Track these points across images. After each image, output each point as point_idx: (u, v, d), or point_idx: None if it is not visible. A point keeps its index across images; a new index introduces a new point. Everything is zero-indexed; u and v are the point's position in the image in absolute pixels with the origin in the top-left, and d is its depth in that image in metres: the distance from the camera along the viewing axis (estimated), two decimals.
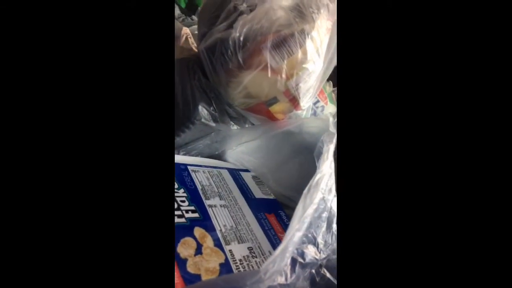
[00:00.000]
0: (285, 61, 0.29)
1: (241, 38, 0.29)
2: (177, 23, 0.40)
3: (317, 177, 0.23)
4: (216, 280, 0.21)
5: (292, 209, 0.38)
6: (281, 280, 0.21)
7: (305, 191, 0.23)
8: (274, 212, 0.35)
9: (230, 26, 0.30)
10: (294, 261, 0.22)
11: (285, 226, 0.34)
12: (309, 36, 0.28)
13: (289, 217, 0.36)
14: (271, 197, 0.38)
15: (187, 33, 0.38)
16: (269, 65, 0.29)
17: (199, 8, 0.62)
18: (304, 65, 0.29)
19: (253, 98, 0.32)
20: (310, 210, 0.22)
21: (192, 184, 0.32)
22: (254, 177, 0.40)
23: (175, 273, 0.22)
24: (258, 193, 0.37)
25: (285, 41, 0.28)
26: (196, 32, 0.42)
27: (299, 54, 0.29)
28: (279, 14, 0.29)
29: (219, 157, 0.40)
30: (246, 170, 0.40)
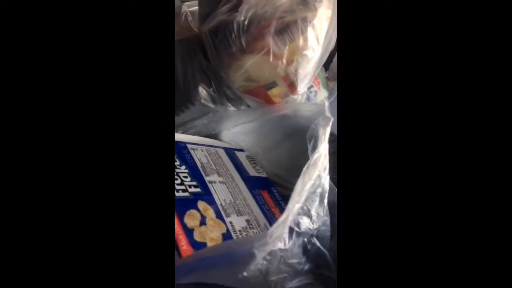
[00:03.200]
0: (287, 47, 0.30)
1: (246, 22, 0.30)
2: (175, 1, 0.40)
3: (315, 156, 0.26)
4: (228, 243, 0.24)
5: (283, 186, 0.41)
6: (280, 245, 0.23)
7: (304, 169, 0.25)
8: (267, 189, 0.38)
9: (234, 9, 0.31)
10: (291, 230, 0.25)
11: (277, 202, 0.37)
12: (311, 24, 0.30)
13: (281, 194, 0.39)
14: (264, 175, 0.40)
15: (186, 12, 0.39)
16: (271, 50, 0.30)
17: None
18: (304, 52, 0.31)
19: (253, 81, 0.34)
20: (308, 185, 0.25)
21: (192, 161, 0.34)
22: (248, 156, 0.42)
23: (184, 241, 0.24)
24: (252, 171, 0.39)
25: (288, 28, 0.30)
26: (192, 9, 0.42)
27: (300, 41, 0.30)
28: (282, 0, 0.30)
29: (215, 136, 0.42)
30: (241, 150, 0.42)
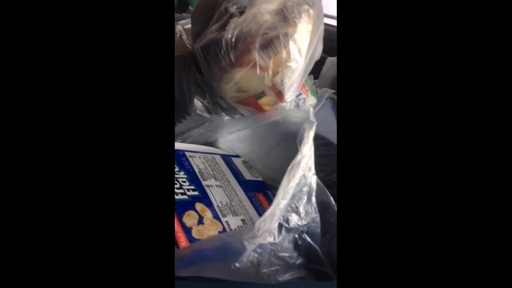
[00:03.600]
0: (272, 60, 0.33)
1: (233, 39, 0.33)
2: None
3: (298, 157, 0.28)
4: (219, 236, 0.26)
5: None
6: (270, 239, 0.26)
7: (288, 168, 0.28)
8: (262, 192, 0.40)
9: (222, 27, 0.34)
10: (280, 226, 0.27)
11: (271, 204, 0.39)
12: (292, 38, 0.33)
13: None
14: (259, 179, 0.43)
15: (180, 31, 0.42)
16: (257, 64, 0.33)
17: (190, 7, 0.65)
18: (288, 64, 0.34)
19: (243, 92, 0.37)
20: (293, 184, 0.27)
21: (190, 168, 0.37)
22: (244, 162, 0.44)
23: (183, 238, 0.27)
24: (247, 175, 0.42)
25: (271, 43, 0.33)
26: (186, 27, 0.45)
27: (284, 54, 0.33)
28: (265, 17, 0.33)
29: (212, 144, 0.44)
30: (237, 156, 0.45)
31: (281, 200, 0.25)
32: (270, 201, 0.40)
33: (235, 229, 0.31)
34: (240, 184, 0.39)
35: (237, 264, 0.23)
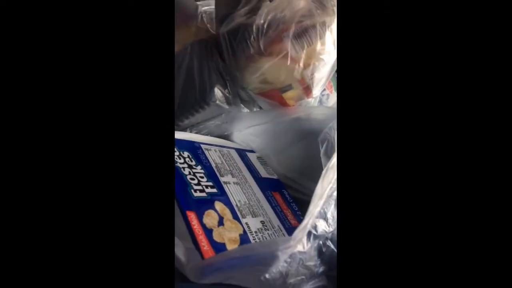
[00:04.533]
0: (304, 51, 0.31)
1: (265, 26, 0.30)
2: (191, 1, 0.40)
3: (333, 160, 0.26)
4: (252, 245, 0.24)
5: (294, 189, 0.41)
6: (300, 248, 0.24)
7: (323, 172, 0.26)
8: (279, 191, 0.38)
9: (252, 12, 0.31)
10: (309, 233, 0.25)
11: (288, 204, 0.37)
12: (329, 28, 0.30)
13: (292, 197, 0.39)
14: (275, 177, 0.41)
15: (202, 13, 0.39)
16: (289, 54, 0.30)
17: None
18: (321, 56, 0.31)
19: (268, 84, 0.34)
20: (327, 189, 0.25)
21: (207, 162, 0.34)
22: (259, 158, 0.42)
23: (205, 241, 0.24)
24: (263, 173, 0.40)
25: (306, 32, 0.30)
26: (206, 9, 0.42)
27: (318, 45, 0.31)
28: (301, 4, 0.30)
29: (227, 137, 0.42)
30: (251, 151, 0.43)
31: (316, 207, 0.23)
32: (286, 201, 0.37)
33: (255, 231, 0.29)
34: (257, 182, 0.37)
35: (267, 275, 0.21)
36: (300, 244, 0.24)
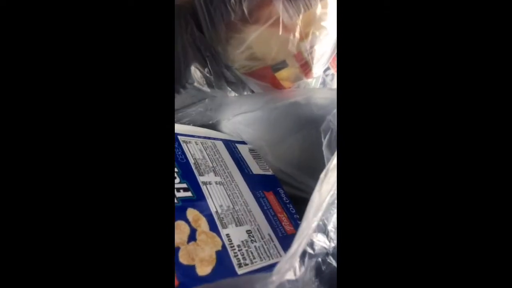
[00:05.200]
0: (300, 16, 0.24)
1: None
2: None
3: (334, 161, 0.20)
4: (226, 283, 0.18)
5: (291, 185, 0.35)
6: (290, 275, 0.18)
7: (321, 175, 0.19)
8: (273, 190, 0.32)
9: None
10: (303, 254, 0.20)
11: (284, 205, 0.31)
12: None
13: (288, 195, 0.33)
14: (270, 173, 0.35)
15: None
16: (281, 20, 0.24)
17: None
18: (322, 23, 0.24)
19: (257, 60, 0.28)
20: (327, 197, 0.19)
21: (184, 158, 0.28)
22: (251, 150, 0.36)
23: None
24: (255, 169, 0.34)
25: None
26: None
27: (318, 8, 0.24)
28: None
29: (213, 127, 0.36)
30: (243, 142, 0.37)
31: (312, 224, 0.17)
32: (281, 202, 0.32)
33: (238, 245, 0.24)
34: (246, 180, 0.31)
35: None
36: (291, 271, 0.18)
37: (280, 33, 0.24)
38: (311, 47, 0.26)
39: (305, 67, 0.28)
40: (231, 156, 0.33)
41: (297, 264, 0.18)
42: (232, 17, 0.24)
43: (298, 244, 0.16)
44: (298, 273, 0.19)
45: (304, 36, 0.25)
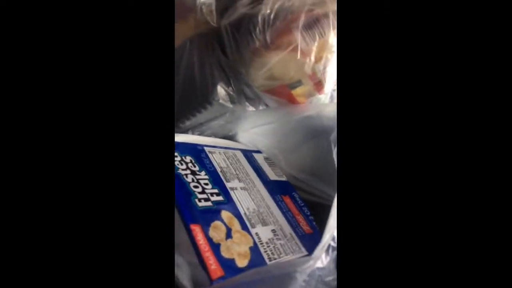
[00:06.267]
0: (316, 43, 0.28)
1: (271, 16, 0.27)
2: None
3: None
4: (269, 268, 0.22)
5: (304, 191, 0.39)
6: (318, 263, 0.21)
7: None
8: (289, 194, 0.36)
9: (256, 1, 0.28)
10: (328, 246, 0.23)
11: (299, 208, 0.35)
12: None
13: (303, 199, 0.37)
14: (284, 178, 0.38)
15: (201, 4, 0.36)
16: (299, 47, 0.28)
17: None
18: (334, 48, 0.28)
19: (275, 80, 0.31)
20: None
21: (212, 166, 0.32)
22: (266, 158, 0.39)
23: (212, 259, 0.22)
24: (271, 175, 0.37)
25: (318, 22, 0.27)
26: (205, 0, 0.39)
27: (331, 37, 0.28)
28: None
29: (232, 138, 0.39)
30: (258, 151, 0.40)
31: (336, 219, 0.21)
32: (297, 205, 0.35)
33: (267, 242, 0.27)
34: (265, 186, 0.34)
35: None
36: (319, 260, 0.21)
37: (298, 57, 0.28)
38: (324, 68, 0.30)
39: (318, 85, 0.31)
40: (250, 164, 0.36)
41: (324, 254, 0.22)
42: (257, 44, 0.28)
43: (329, 235, 0.20)
44: (324, 262, 0.22)
45: (318, 60, 0.29)
